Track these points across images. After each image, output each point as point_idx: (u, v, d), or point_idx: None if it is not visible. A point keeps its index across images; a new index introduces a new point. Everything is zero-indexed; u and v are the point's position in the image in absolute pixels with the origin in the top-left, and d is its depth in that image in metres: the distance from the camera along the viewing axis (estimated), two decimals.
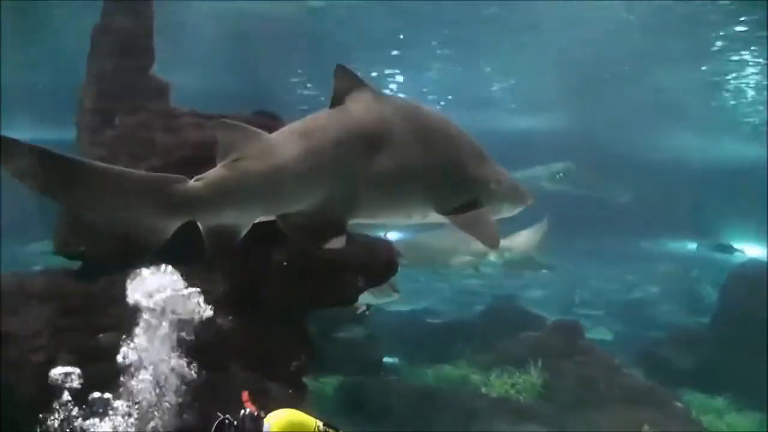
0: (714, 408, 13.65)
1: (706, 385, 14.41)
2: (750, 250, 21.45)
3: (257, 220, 4.26)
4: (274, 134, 4.35)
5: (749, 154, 21.98)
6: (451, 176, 4.57)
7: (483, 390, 12.85)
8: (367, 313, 11.92)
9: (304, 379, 7.15)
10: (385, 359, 14.08)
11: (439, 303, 19.76)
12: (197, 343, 5.31)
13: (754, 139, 21.43)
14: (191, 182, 4.05)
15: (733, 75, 18.16)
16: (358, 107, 4.39)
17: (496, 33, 16.61)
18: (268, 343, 6.81)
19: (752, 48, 16.36)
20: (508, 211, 4.96)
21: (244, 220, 4.20)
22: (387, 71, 19.41)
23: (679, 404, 12.70)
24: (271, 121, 6.49)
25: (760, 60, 16.86)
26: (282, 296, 7.03)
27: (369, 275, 7.56)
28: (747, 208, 21.29)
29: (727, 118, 20.67)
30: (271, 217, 4.30)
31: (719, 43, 16.36)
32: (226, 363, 6.46)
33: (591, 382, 12.78)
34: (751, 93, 19.19)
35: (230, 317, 6.42)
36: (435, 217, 4.61)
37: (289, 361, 7.00)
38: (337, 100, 4.44)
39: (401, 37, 17.12)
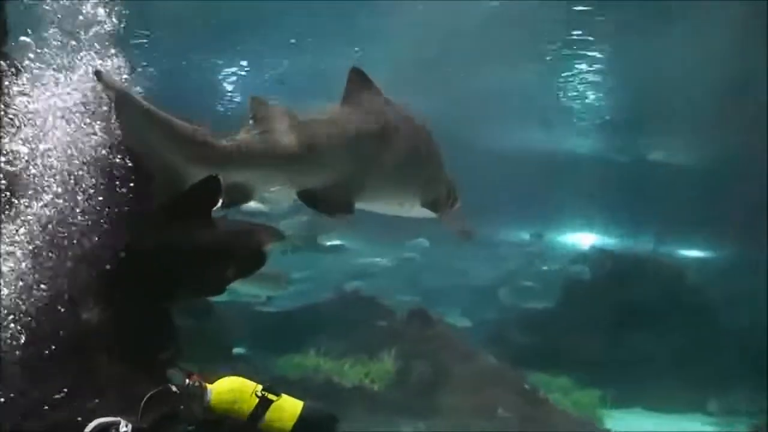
0: (559, 386, 14.13)
1: (551, 365, 14.87)
2: (587, 238, 22.50)
3: (275, 188, 4.92)
4: (300, 117, 4.78)
5: (586, 148, 22.80)
6: (434, 173, 5.38)
7: (336, 379, 12.66)
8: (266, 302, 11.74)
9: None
10: (235, 350, 13.64)
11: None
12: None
13: (589, 134, 22.31)
14: (222, 140, 4.53)
15: (572, 74, 18.73)
16: (371, 106, 5.07)
17: (346, 25, 16.43)
18: (135, 335, 6.33)
19: (591, 49, 16.96)
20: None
21: (262, 185, 4.85)
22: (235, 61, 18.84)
23: (527, 385, 13.02)
24: None
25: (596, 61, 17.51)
26: (149, 287, 6.56)
27: (238, 265, 7.22)
28: (583, 198, 22.06)
29: (568, 114, 21.35)
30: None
31: (559, 43, 16.85)
32: (92, 357, 5.94)
33: (444, 367, 12.85)
34: (590, 92, 19.90)
35: (96, 310, 5.92)
36: (417, 210, 5.35)
37: (157, 353, 6.56)
38: (350, 96, 5.08)
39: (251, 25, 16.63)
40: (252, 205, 8.63)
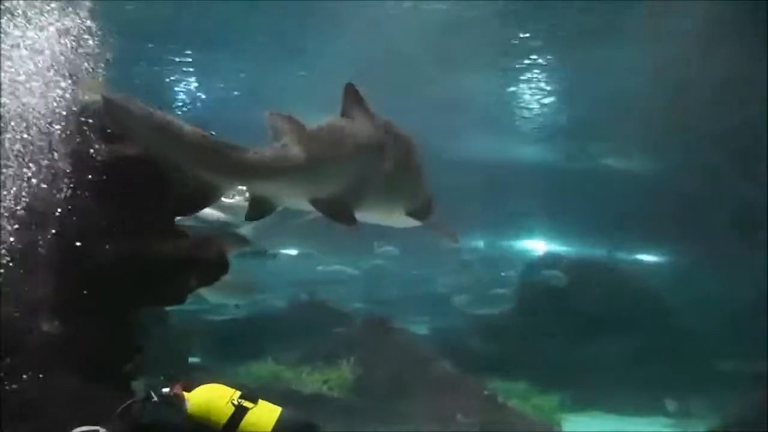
0: (518, 392, 14.13)
1: (509, 371, 14.88)
2: (541, 245, 22.66)
3: (295, 199, 5.12)
4: (309, 130, 5.03)
5: (539, 156, 22.97)
6: (419, 184, 5.66)
7: (294, 387, 12.50)
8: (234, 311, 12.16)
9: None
10: (191, 359, 13.38)
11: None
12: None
13: (541, 142, 22.48)
14: (249, 152, 4.77)
15: (524, 81, 18.85)
16: (365, 122, 5.30)
17: (302, 34, 16.34)
18: (97, 346, 6.19)
19: (542, 57, 17.09)
20: None
21: (284, 196, 5.11)
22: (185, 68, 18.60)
23: (486, 391, 13.00)
24: None
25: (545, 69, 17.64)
26: (110, 297, 6.43)
27: (200, 273, 7.14)
28: (537, 206, 22.22)
29: (519, 122, 21.49)
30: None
31: (510, 52, 16.94)
32: (53, 369, 5.82)
33: (403, 374, 12.76)
34: (541, 100, 20.05)
35: (56, 322, 5.81)
36: (403, 219, 5.64)
37: (119, 364, 6.44)
38: (347, 111, 5.34)
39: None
40: (213, 213, 8.53)
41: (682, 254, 20.93)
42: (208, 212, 8.36)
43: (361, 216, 5.29)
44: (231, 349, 14.39)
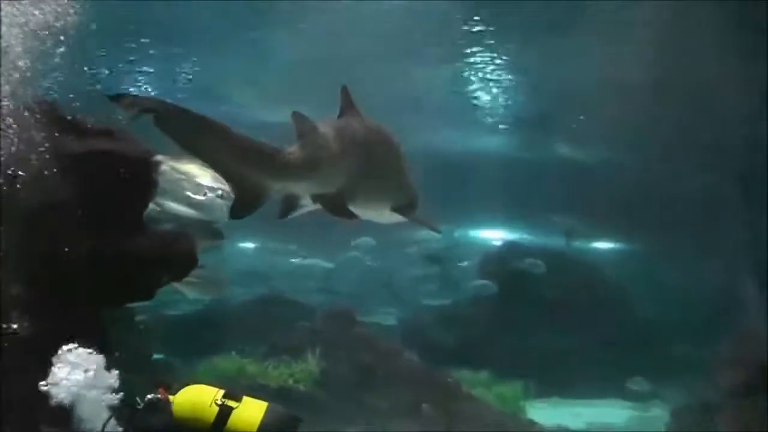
0: (481, 381, 14.26)
1: (470, 360, 15.01)
2: (499, 235, 22.83)
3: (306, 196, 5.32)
4: (319, 128, 5.27)
5: (495, 146, 23.12)
6: (404, 181, 5.87)
7: (260, 381, 12.45)
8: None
9: None
10: (155, 356, 13.25)
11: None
12: None
13: (497, 132, 22.63)
14: (287, 153, 5.01)
15: (480, 72, 18.93)
16: (357, 122, 5.58)
17: (252, 27, 16.24)
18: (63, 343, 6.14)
19: (499, 47, 17.19)
20: None
21: (303, 192, 5.29)
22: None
23: (450, 380, 13.11)
24: None
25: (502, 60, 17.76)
26: (81, 295, 6.38)
27: (170, 269, 7.13)
28: (494, 196, 22.34)
29: (476, 113, 21.59)
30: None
31: (466, 42, 17.01)
32: (24, 367, 5.76)
33: (368, 367, 12.82)
34: (497, 90, 20.18)
35: (26, 321, 5.76)
36: (390, 215, 5.85)
37: None
38: (343, 112, 5.64)
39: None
40: (188, 210, 8.47)
41: (641, 243, 21.28)
42: (182, 209, 8.33)
43: (355, 209, 5.53)
44: (194, 345, 14.27)
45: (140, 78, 18.97)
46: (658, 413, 13.24)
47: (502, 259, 19.14)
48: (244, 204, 5.07)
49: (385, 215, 5.91)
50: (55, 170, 6.11)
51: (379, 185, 5.64)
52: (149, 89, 19.18)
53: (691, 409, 11.21)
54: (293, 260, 20.44)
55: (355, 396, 12.21)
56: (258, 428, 3.89)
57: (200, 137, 4.86)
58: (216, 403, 3.88)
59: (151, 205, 7.44)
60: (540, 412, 13.53)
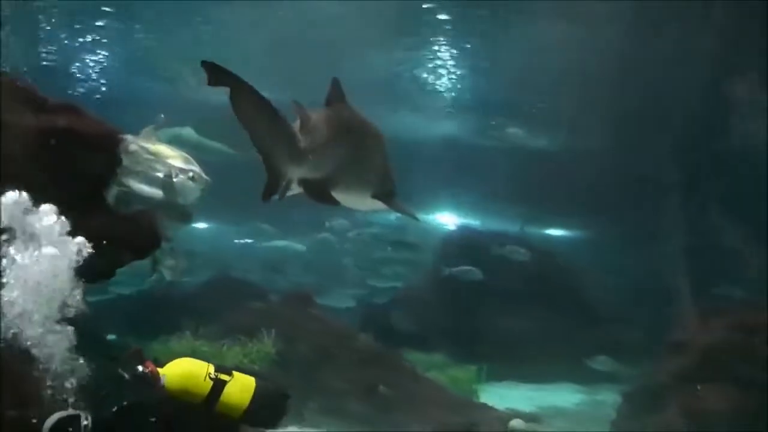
0: (434, 364, 14.37)
1: (424, 343, 15.13)
2: (454, 220, 22.99)
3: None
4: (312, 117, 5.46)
5: (450, 132, 23.19)
6: (386, 169, 5.98)
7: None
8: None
9: None
10: (108, 336, 13.08)
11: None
12: None
13: (452, 118, 22.72)
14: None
15: (436, 58, 18.97)
16: (345, 112, 5.77)
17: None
18: None
19: (454, 33, 17.24)
20: None
21: (294, 175, 5.32)
22: None
23: (405, 363, 13.21)
24: None
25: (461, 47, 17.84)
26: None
27: (133, 249, 7.05)
28: (448, 181, 22.46)
29: (431, 99, 21.63)
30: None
31: (422, 29, 17.05)
32: None
33: (324, 348, 12.84)
34: (452, 77, 20.24)
35: None
36: (371, 202, 6.00)
37: None
38: (330, 101, 5.78)
39: None
40: (156, 192, 8.39)
41: (595, 230, 21.58)
42: (152, 190, 8.26)
43: (338, 196, 5.69)
44: (146, 326, 14.11)
45: (93, 54, 18.72)
46: (609, 397, 13.47)
47: (460, 244, 19.23)
48: (271, 186, 5.22)
49: (366, 202, 6.06)
50: (15, 146, 6.00)
51: (362, 173, 5.81)
52: (101, 65, 18.98)
53: (642, 393, 11.41)
54: (275, 243, 20.29)
55: (311, 375, 12.22)
56: (250, 403, 3.92)
57: (259, 120, 5.07)
58: (210, 377, 3.95)
59: (121, 186, 7.38)
60: (492, 395, 13.68)
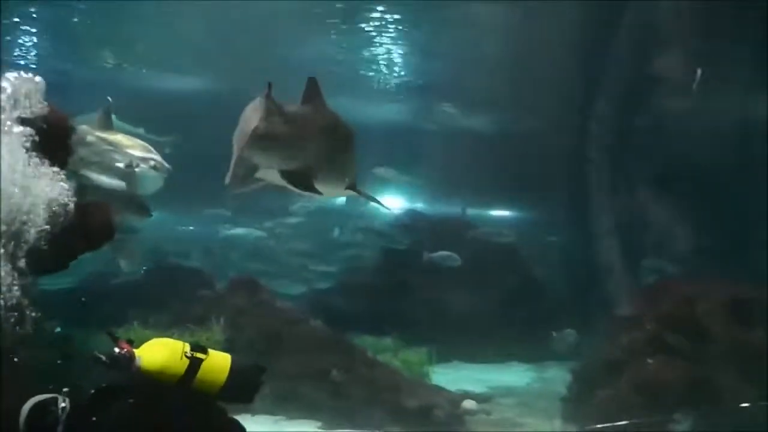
0: (385, 347, 14.42)
1: (373, 328, 15.16)
2: (398, 203, 23.03)
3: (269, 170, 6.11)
4: (287, 110, 6.13)
5: (393, 116, 23.24)
6: (353, 161, 6.76)
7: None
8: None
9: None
10: (56, 330, 12.77)
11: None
12: None
13: (396, 102, 22.75)
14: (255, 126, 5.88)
15: (380, 42, 18.97)
16: (321, 109, 6.48)
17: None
18: None
19: (398, 17, 17.25)
20: None
21: (267, 165, 6.09)
22: None
23: (357, 347, 13.22)
24: None
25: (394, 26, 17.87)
26: None
27: (86, 239, 6.89)
28: (393, 165, 22.45)
29: (374, 83, 21.64)
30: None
31: (364, 12, 17.04)
32: None
33: (275, 334, 12.74)
34: (397, 61, 20.28)
35: None
36: (340, 191, 6.94)
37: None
38: (307, 98, 6.43)
39: None
40: (116, 182, 8.18)
41: (535, 209, 21.87)
42: (112, 181, 8.07)
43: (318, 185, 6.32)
44: (92, 317, 13.83)
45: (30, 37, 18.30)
46: (558, 374, 13.70)
47: (409, 227, 19.26)
48: (234, 176, 5.85)
49: (339, 192, 6.93)
50: None
51: (338, 166, 6.58)
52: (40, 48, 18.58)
53: (592, 368, 11.62)
54: (233, 230, 20.08)
55: (262, 362, 12.10)
56: (227, 378, 3.90)
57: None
58: (186, 356, 3.87)
59: (79, 178, 7.21)
60: (442, 377, 13.80)
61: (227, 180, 5.87)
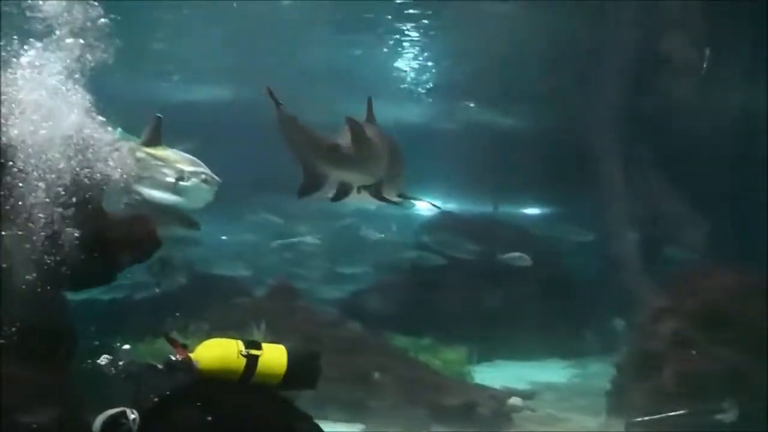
0: (425, 347, 14.38)
1: (412, 328, 15.12)
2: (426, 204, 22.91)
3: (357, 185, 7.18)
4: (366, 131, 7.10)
5: (416, 116, 23.17)
6: (402, 173, 7.99)
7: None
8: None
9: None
10: (95, 342, 12.86)
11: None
12: None
13: (418, 102, 22.68)
14: (344, 148, 6.86)
15: (401, 42, 18.92)
16: (378, 128, 7.50)
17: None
18: (30, 331, 5.96)
19: (419, 17, 17.23)
20: None
21: (352, 182, 7.07)
22: None
23: (396, 347, 13.23)
24: None
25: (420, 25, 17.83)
26: (41, 280, 6.18)
27: (133, 251, 7.00)
28: (419, 166, 22.37)
29: (397, 84, 21.58)
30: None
31: (387, 13, 17.02)
32: None
33: (315, 337, 12.77)
34: (418, 60, 20.22)
35: None
36: (395, 199, 7.98)
37: (53, 349, 6.24)
38: (369, 119, 7.53)
39: None
40: (169, 197, 8.23)
41: (566, 206, 21.70)
42: (164, 196, 8.13)
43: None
44: (129, 328, 13.94)
45: None
46: (601, 368, 13.58)
47: (434, 227, 19.17)
48: (308, 186, 6.70)
49: (393, 199, 7.78)
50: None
51: (395, 176, 7.56)
52: None
53: (635, 361, 11.49)
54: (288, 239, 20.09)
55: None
56: (287, 369, 3.93)
57: (291, 130, 6.68)
58: (242, 354, 3.93)
59: (132, 194, 7.31)
60: (484, 375, 13.75)
61: (300, 190, 6.79)
